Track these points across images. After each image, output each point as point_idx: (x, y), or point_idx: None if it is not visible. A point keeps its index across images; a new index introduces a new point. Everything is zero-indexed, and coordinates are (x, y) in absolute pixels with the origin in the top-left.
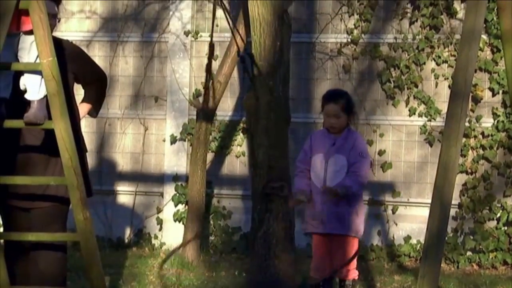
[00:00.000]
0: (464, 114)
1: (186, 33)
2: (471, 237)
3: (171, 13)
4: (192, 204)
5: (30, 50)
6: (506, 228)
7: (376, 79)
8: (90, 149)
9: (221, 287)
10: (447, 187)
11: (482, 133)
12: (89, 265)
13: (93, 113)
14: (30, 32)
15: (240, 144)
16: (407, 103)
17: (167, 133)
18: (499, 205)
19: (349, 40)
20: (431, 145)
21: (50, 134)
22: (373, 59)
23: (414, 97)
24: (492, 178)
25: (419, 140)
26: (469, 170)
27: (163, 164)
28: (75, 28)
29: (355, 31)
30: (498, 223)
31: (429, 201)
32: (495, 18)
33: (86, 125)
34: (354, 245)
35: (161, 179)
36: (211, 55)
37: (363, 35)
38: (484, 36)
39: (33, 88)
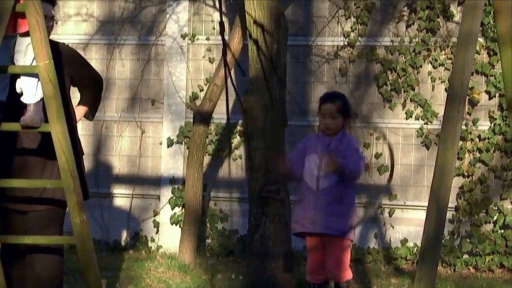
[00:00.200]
0: (460, 117)
1: (183, 36)
2: (468, 240)
3: (168, 16)
4: (189, 207)
5: (26, 52)
6: (502, 231)
7: (372, 82)
8: (87, 152)
9: None
10: (443, 190)
11: (479, 136)
12: (86, 268)
13: (89, 116)
14: (26, 34)
15: (237, 147)
16: (403, 106)
17: (164, 136)
18: (496, 208)
19: (345, 43)
20: (427, 148)
21: (46, 137)
22: (369, 62)
23: (411, 100)
24: (489, 181)
25: (416, 143)
26: (466, 173)
27: (160, 167)
28: (71, 31)
29: (352, 34)
30: (494, 226)
31: (426, 204)
32: (491, 21)
33: (83, 128)
34: (346, 247)
35: (158, 182)
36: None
37: (359, 38)
38: (480, 39)
39: (30, 91)
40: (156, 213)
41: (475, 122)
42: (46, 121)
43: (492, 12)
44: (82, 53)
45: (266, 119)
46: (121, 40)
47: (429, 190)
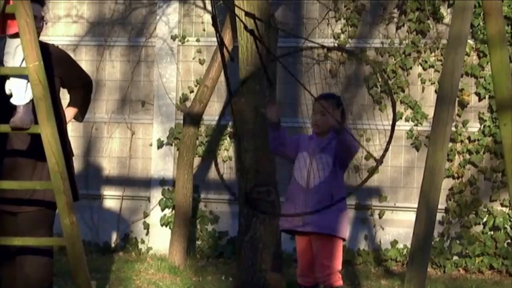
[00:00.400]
0: (450, 119)
1: (173, 38)
2: (458, 242)
3: (158, 17)
4: (179, 209)
5: (15, 54)
6: (492, 232)
7: (362, 83)
8: (77, 153)
9: None
10: (433, 191)
11: (469, 138)
12: (76, 270)
13: (79, 117)
14: (16, 36)
15: (227, 149)
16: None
17: (154, 137)
18: (486, 210)
19: (336, 44)
20: (417, 150)
21: (36, 139)
22: (360, 64)
23: (401, 102)
24: (479, 182)
25: (406, 145)
26: (456, 175)
27: (150, 169)
28: (62, 32)
29: (342, 36)
30: (484, 227)
31: (416, 205)
32: (481, 23)
33: (73, 130)
34: (337, 247)
35: (148, 183)
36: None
37: (350, 40)
38: (470, 41)
39: (19, 92)
40: (146, 215)
41: (465, 123)
42: (36, 122)
43: (481, 14)
44: (72, 55)
45: (256, 120)
46: (111, 41)
47: (419, 192)
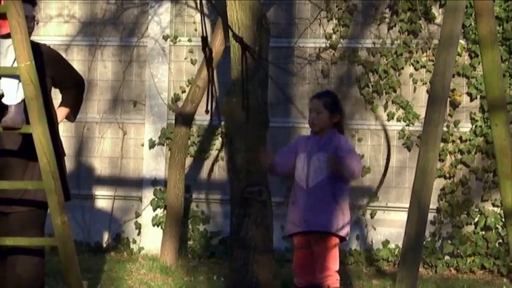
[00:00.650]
0: (442, 119)
1: (165, 38)
2: (449, 242)
3: (149, 17)
4: (171, 209)
5: (6, 54)
6: (483, 232)
7: (354, 83)
8: (68, 153)
9: None
10: (425, 191)
11: (460, 138)
12: (67, 270)
13: (71, 117)
14: (7, 36)
15: (218, 149)
16: (385, 107)
17: (145, 137)
18: (477, 210)
19: (327, 45)
20: (409, 150)
21: (28, 139)
22: (351, 64)
23: (393, 102)
24: (470, 182)
25: (398, 145)
26: (447, 175)
27: (142, 169)
28: (53, 32)
29: (334, 36)
30: (476, 227)
31: (408, 205)
32: (473, 24)
33: (65, 129)
34: (334, 246)
35: (139, 183)
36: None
37: (341, 40)
38: (462, 41)
39: (11, 92)
40: (137, 215)
41: (456, 124)
42: (28, 122)
43: (473, 14)
44: (64, 55)
45: (248, 120)
46: (103, 41)
47: (411, 192)
